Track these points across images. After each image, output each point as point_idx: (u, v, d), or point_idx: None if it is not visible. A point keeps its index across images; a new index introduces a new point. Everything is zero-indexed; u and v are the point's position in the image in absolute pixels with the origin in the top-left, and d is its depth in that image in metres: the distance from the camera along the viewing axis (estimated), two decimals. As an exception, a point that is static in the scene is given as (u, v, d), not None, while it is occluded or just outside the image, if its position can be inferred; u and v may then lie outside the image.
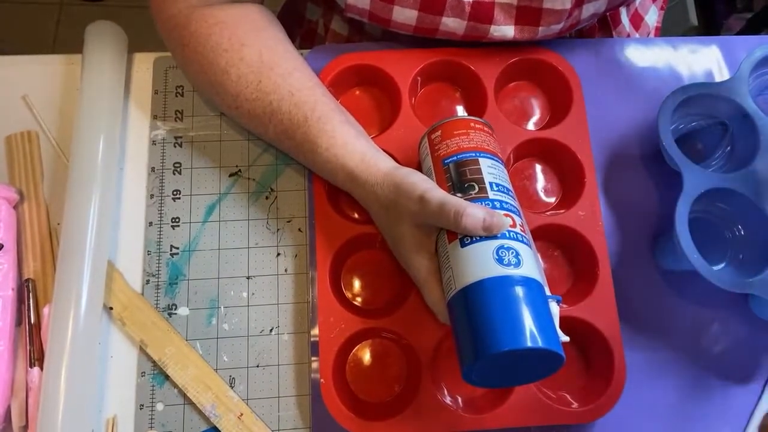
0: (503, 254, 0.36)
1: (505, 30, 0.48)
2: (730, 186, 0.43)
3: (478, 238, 0.37)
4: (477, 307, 0.35)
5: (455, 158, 0.41)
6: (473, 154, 0.41)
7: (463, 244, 0.37)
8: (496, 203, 0.39)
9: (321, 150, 0.44)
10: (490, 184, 0.40)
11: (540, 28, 0.48)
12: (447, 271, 0.38)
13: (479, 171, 0.40)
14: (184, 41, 0.46)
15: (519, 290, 0.35)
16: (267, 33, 0.47)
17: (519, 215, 0.40)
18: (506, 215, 0.38)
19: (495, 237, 0.37)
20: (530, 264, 0.37)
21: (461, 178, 0.40)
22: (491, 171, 0.41)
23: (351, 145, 0.44)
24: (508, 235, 0.37)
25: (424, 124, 0.48)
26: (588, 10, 0.49)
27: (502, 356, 0.34)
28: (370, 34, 0.60)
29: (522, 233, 0.38)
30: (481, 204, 0.38)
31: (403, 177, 0.41)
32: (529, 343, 0.33)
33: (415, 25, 0.48)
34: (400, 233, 0.41)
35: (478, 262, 0.36)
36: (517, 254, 0.37)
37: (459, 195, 0.39)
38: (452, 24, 0.48)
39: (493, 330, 0.34)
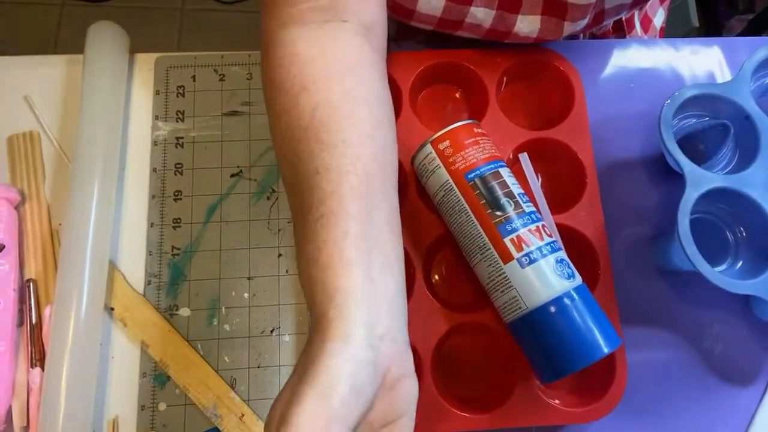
0: (561, 269, 0.39)
1: (531, 21, 0.46)
2: (732, 187, 0.43)
3: (535, 257, 0.38)
4: (554, 323, 0.38)
5: (478, 172, 0.41)
6: (492, 166, 0.41)
7: (522, 265, 0.38)
8: (533, 215, 0.40)
9: (301, 257, 0.34)
10: (519, 195, 0.41)
11: (565, 23, 0.46)
12: (508, 292, 0.39)
13: (506, 184, 0.41)
14: (265, 67, 0.39)
15: (584, 300, 0.38)
16: (342, 82, 0.37)
17: (542, 219, 0.41)
18: (540, 227, 0.40)
19: (549, 251, 0.39)
20: (574, 268, 0.40)
21: (494, 195, 0.40)
22: (512, 181, 0.41)
23: (331, 272, 0.31)
24: (554, 247, 0.40)
25: (425, 125, 0.48)
26: (612, 1, 0.47)
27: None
28: None
29: (555, 239, 0.40)
30: (520, 219, 0.39)
31: (315, 374, 0.28)
32: (606, 350, 0.37)
33: (440, 17, 0.46)
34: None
35: (545, 280, 0.38)
36: (569, 264, 0.40)
37: (498, 213, 0.39)
38: (480, 15, 0.46)
39: (578, 343, 0.37)
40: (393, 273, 0.34)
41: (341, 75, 0.37)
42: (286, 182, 0.37)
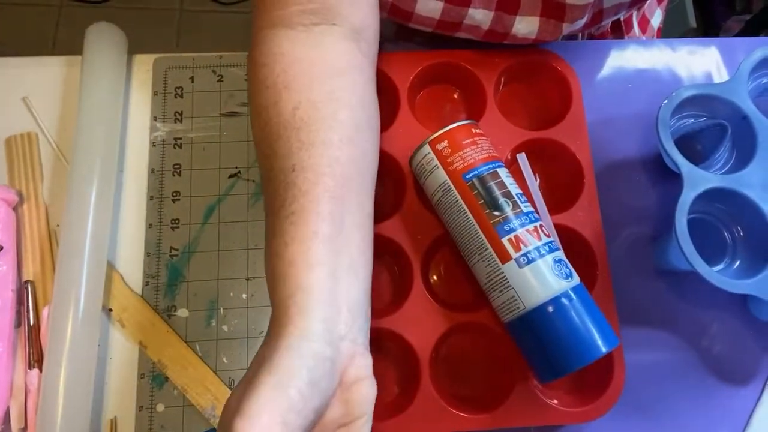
0: (559, 269, 0.39)
1: (529, 22, 0.46)
2: (730, 187, 0.43)
3: (533, 257, 0.38)
4: (553, 323, 0.38)
5: (476, 172, 0.41)
6: (490, 166, 0.41)
7: (520, 265, 0.38)
8: (531, 215, 0.40)
9: (267, 251, 0.34)
10: (517, 195, 0.41)
11: (564, 24, 0.46)
12: (506, 292, 0.39)
13: (504, 184, 0.41)
14: (250, 65, 0.40)
15: (581, 300, 0.38)
16: (326, 83, 0.37)
17: (540, 219, 0.41)
18: (538, 227, 0.40)
19: (546, 251, 0.39)
20: (572, 267, 0.40)
21: (492, 195, 0.40)
22: (510, 181, 0.41)
23: (296, 269, 0.32)
24: (552, 247, 0.39)
25: (423, 126, 0.48)
26: (611, 0, 0.47)
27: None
28: (382, 35, 0.59)
29: (552, 239, 0.40)
30: (518, 219, 0.39)
31: (270, 367, 0.28)
32: (604, 349, 0.37)
33: (439, 19, 0.46)
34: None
35: (543, 281, 0.38)
36: (567, 264, 0.40)
37: (496, 213, 0.39)
38: (478, 16, 0.46)
39: (576, 343, 0.37)
40: (358, 277, 0.34)
41: (325, 77, 0.37)
42: (262, 178, 0.37)
